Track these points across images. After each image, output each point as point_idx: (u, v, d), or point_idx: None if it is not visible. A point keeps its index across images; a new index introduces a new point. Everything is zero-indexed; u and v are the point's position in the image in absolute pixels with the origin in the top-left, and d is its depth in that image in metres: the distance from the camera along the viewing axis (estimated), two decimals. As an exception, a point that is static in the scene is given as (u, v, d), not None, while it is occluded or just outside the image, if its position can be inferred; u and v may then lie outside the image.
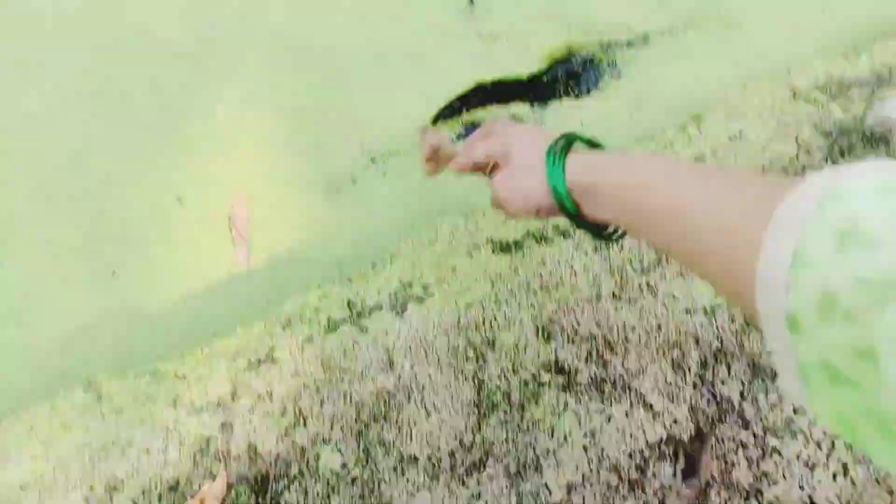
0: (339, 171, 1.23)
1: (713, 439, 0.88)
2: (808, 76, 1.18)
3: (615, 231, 0.53)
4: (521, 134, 0.58)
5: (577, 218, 0.51)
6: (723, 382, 0.92)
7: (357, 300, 1.12)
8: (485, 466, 0.93)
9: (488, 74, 1.28)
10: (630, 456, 0.89)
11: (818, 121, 1.13)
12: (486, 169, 0.61)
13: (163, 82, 1.33)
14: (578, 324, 0.99)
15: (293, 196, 1.22)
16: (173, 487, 1.02)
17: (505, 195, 0.56)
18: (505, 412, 0.96)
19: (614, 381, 0.94)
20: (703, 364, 0.94)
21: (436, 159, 0.67)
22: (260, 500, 0.98)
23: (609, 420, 0.92)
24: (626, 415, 0.92)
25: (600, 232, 0.53)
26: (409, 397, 1.01)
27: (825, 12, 1.30)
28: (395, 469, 0.96)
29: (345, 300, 1.12)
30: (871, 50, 1.22)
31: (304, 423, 1.02)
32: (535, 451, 0.92)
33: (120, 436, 1.07)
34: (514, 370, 0.98)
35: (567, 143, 0.52)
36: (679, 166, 0.44)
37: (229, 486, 1.00)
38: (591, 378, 0.95)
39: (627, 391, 0.93)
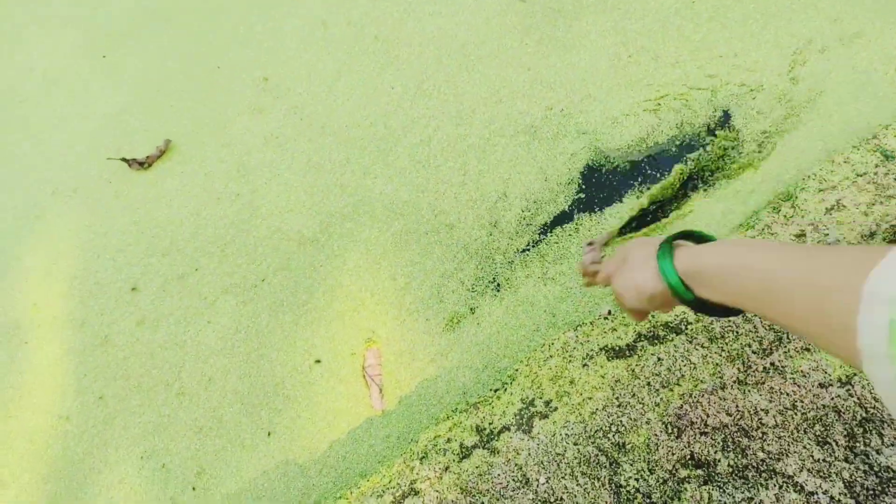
0: (455, 305, 1.53)
1: (877, 514, 0.94)
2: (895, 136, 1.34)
3: (731, 309, 0.65)
4: (637, 242, 0.77)
5: (692, 301, 0.64)
6: (878, 452, 1.00)
7: (485, 425, 1.34)
8: (638, 574, 1.04)
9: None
10: (790, 544, 0.97)
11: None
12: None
13: (295, 266, 1.77)
14: (707, 415, 1.13)
15: (416, 339, 1.53)
16: None
17: (621, 290, 0.74)
18: (648, 515, 1.09)
19: (757, 467, 1.05)
20: (851, 436, 1.03)
21: (590, 273, 0.92)
22: None
23: (759, 508, 1.01)
24: (777, 499, 1.01)
25: (717, 311, 0.66)
26: (550, 512, 1.17)
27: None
28: (547, 587, 1.09)
29: (474, 426, 1.35)
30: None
31: (454, 551, 1.20)
32: (687, 552, 1.02)
33: (289, 583, 1.32)
34: (649, 470, 1.12)
35: (674, 237, 0.70)
36: (773, 244, 0.57)
37: None
38: (732, 467, 1.06)
39: (773, 475, 1.03)
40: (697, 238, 0.74)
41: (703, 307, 0.65)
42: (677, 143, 1.54)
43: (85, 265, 1.96)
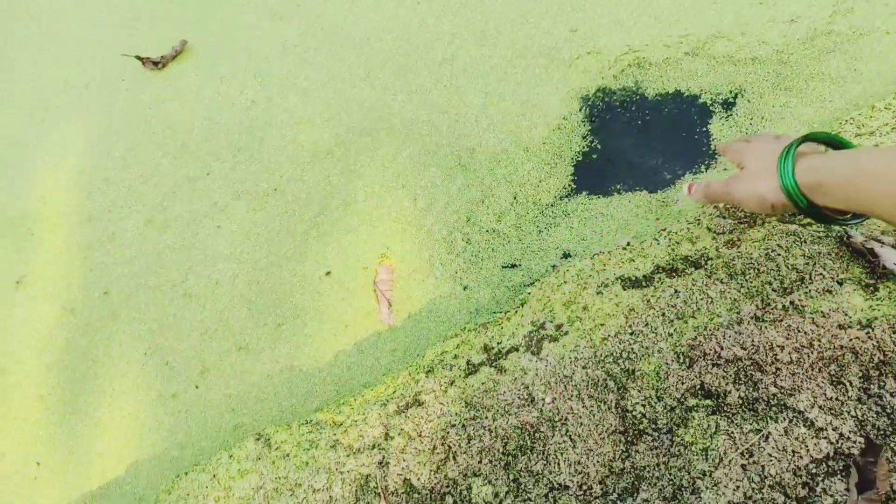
0: (476, 229, 1.45)
1: (889, 451, 0.89)
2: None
3: (848, 216, 0.65)
4: (757, 143, 0.73)
5: (809, 210, 0.65)
6: (892, 394, 0.95)
7: (493, 344, 1.28)
8: (638, 491, 1.00)
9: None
10: (795, 473, 0.92)
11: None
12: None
13: (309, 177, 1.67)
14: (721, 348, 1.07)
15: (433, 258, 1.45)
16: (338, 525, 1.18)
17: (740, 196, 0.73)
18: (653, 438, 1.04)
19: (768, 401, 0.99)
20: (866, 377, 0.97)
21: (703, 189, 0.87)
22: (419, 534, 1.11)
23: (767, 438, 0.97)
24: (786, 433, 0.96)
25: (834, 219, 0.65)
26: (553, 429, 1.12)
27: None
28: (546, 497, 1.05)
29: (482, 345, 1.28)
30: None
31: (454, 458, 1.16)
32: (689, 474, 0.98)
33: (289, 478, 1.27)
34: (657, 397, 1.07)
35: (796, 144, 0.66)
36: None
37: (389, 522, 1.14)
38: (742, 399, 1.01)
39: (784, 409, 0.98)
40: (822, 140, 0.71)
41: (819, 215, 0.65)
42: (698, 83, 1.43)
43: (94, 161, 1.84)
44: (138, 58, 1.85)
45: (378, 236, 1.51)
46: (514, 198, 1.41)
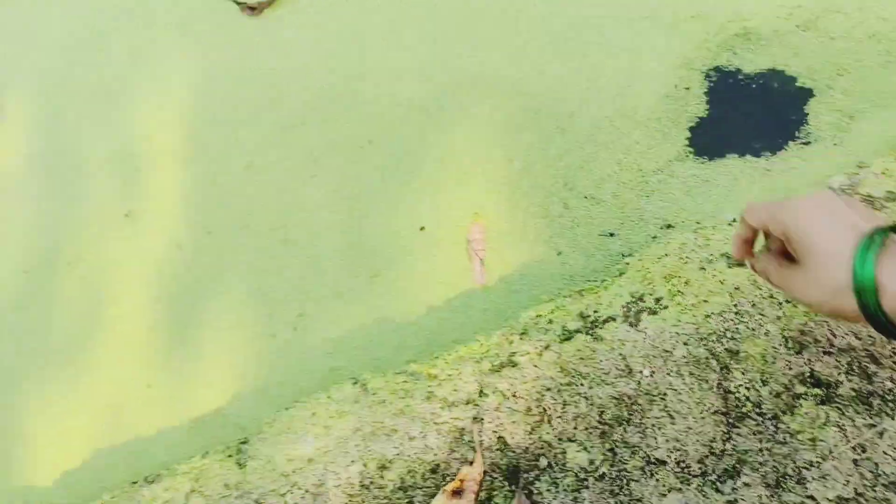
0: (574, 194, 1.42)
1: None
2: None
3: None
4: (819, 211, 0.50)
5: (876, 317, 0.45)
6: None
7: (590, 312, 1.27)
8: (739, 475, 1.01)
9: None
10: (909, 473, 0.91)
11: None
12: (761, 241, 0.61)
13: (404, 132, 1.65)
14: (834, 336, 1.04)
15: (528, 221, 1.44)
16: (434, 469, 1.24)
17: (792, 291, 0.53)
18: (756, 422, 1.03)
19: (883, 396, 0.97)
20: None
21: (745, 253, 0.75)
22: (512, 486, 1.15)
23: (881, 435, 0.95)
24: (901, 430, 0.94)
25: None
26: (652, 403, 1.12)
27: None
28: (642, 469, 1.07)
29: (578, 312, 1.28)
30: None
31: (549, 422, 1.18)
32: (794, 463, 0.98)
33: (385, 423, 1.33)
34: (762, 381, 1.05)
35: (883, 235, 0.46)
36: None
37: (484, 472, 1.19)
38: (855, 391, 0.98)
39: (900, 406, 0.95)
40: None
41: (889, 329, 0.46)
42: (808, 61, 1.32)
43: (195, 104, 1.87)
44: (236, 2, 1.84)
45: (471, 195, 1.50)
46: (618, 164, 1.37)
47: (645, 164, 1.36)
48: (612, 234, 1.35)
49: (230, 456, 1.50)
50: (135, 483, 1.59)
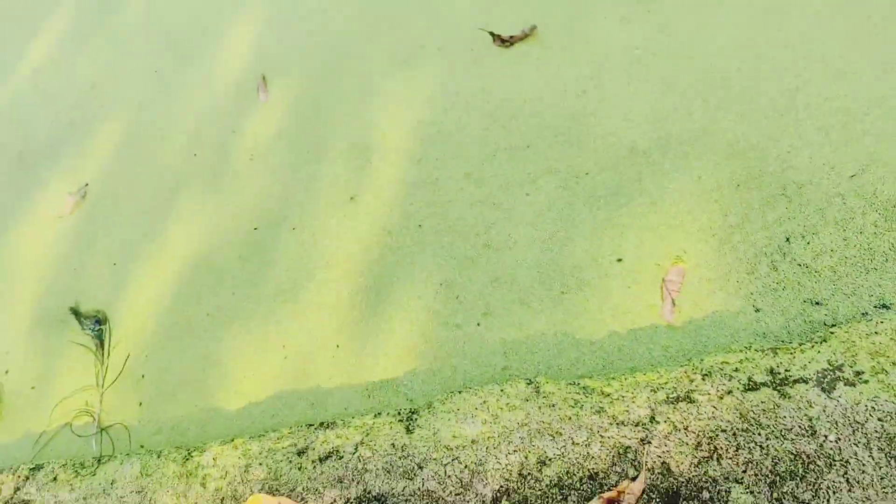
0: (768, 250, 1.60)
1: None
2: None
3: None
4: None
5: None
6: None
7: (781, 370, 1.43)
8: (916, 552, 1.10)
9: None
10: None
11: None
12: None
13: (622, 171, 1.93)
14: None
15: (730, 273, 1.63)
16: (592, 476, 1.46)
17: None
18: (946, 509, 1.12)
19: None
20: None
21: None
22: (669, 509, 1.33)
23: None
24: None
25: None
26: (831, 467, 1.25)
27: None
28: (809, 524, 1.20)
29: (768, 367, 1.44)
30: None
31: (718, 460, 1.35)
32: (982, 557, 1.06)
33: (552, 425, 1.58)
34: (962, 472, 1.14)
35: None
36: None
37: (643, 491, 1.39)
38: None
39: None
40: None
41: None
42: None
43: (432, 114, 2.32)
44: (491, 34, 2.29)
45: (677, 239, 1.73)
46: (844, 241, 1.52)
47: (876, 245, 1.50)
48: (818, 303, 1.50)
49: (400, 420, 1.84)
50: (311, 425, 1.99)
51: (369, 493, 1.67)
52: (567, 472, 1.46)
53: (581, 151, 1.98)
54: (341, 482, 1.71)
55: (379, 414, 1.86)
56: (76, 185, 3.05)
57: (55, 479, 2.05)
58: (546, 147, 2.05)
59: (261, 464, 1.88)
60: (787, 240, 1.58)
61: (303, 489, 1.74)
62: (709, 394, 1.42)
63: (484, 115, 2.23)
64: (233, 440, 1.96)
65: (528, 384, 1.67)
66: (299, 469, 1.82)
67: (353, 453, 1.78)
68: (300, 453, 1.87)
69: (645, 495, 1.36)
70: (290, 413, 2.05)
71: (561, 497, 1.43)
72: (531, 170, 2.03)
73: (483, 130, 2.19)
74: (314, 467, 1.80)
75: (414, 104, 2.42)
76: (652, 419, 1.45)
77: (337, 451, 1.81)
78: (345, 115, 2.55)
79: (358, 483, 1.69)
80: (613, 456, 1.44)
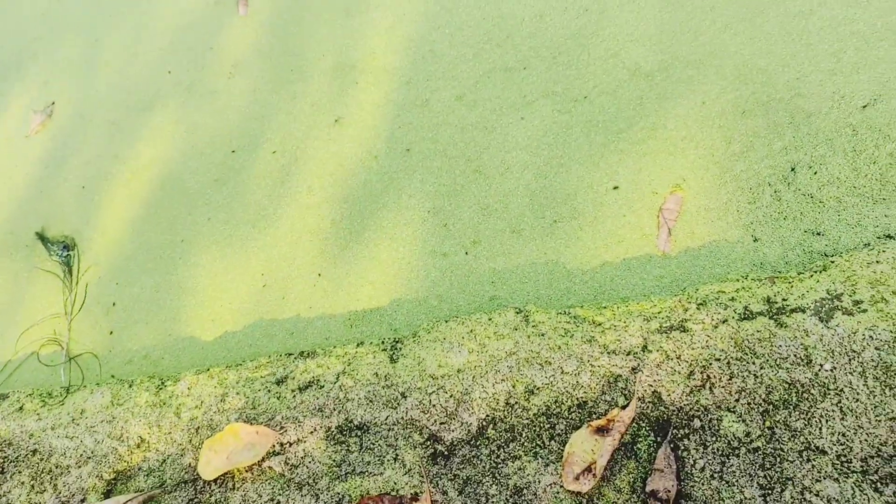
0: (771, 179, 1.56)
1: None
2: None
3: None
4: None
5: None
6: None
7: (778, 299, 1.42)
8: (905, 478, 1.12)
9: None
10: None
11: None
12: None
13: (622, 94, 1.87)
14: None
15: (730, 202, 1.60)
16: (581, 405, 1.45)
17: None
18: (939, 436, 1.13)
19: None
20: None
21: None
22: (658, 438, 1.34)
23: None
24: None
25: None
26: (825, 396, 1.25)
27: None
28: (800, 454, 1.21)
29: (765, 296, 1.43)
30: None
31: (711, 389, 1.35)
32: (971, 482, 1.07)
33: (541, 354, 1.57)
34: (957, 401, 1.15)
35: None
36: None
37: (633, 419, 1.39)
38: None
39: None
40: None
41: None
42: None
43: (425, 31, 2.22)
44: (488, -56, 2.17)
45: (677, 167, 1.69)
46: (854, 171, 1.49)
47: (890, 176, 1.48)
48: (819, 234, 1.48)
49: (384, 350, 1.82)
50: (290, 355, 1.97)
51: (351, 421, 1.66)
52: (556, 401, 1.46)
53: (580, 74, 1.91)
54: (322, 411, 1.70)
55: (361, 343, 1.84)
56: (42, 103, 2.91)
57: (21, 408, 2.02)
58: (544, 69, 1.97)
59: (238, 393, 1.86)
60: (793, 169, 1.54)
61: (282, 418, 1.73)
62: (703, 323, 1.41)
63: (479, 34, 2.14)
64: (208, 369, 1.94)
65: (518, 313, 1.66)
66: (278, 398, 1.80)
67: (335, 382, 1.77)
68: (279, 382, 1.85)
69: (635, 424, 1.36)
70: (269, 342, 2.03)
71: (549, 426, 1.44)
72: (527, 92, 1.96)
73: (477, 50, 2.10)
74: (294, 396, 1.79)
75: (404, 20, 2.31)
76: (644, 348, 1.44)
77: (317, 380, 1.80)
78: (330, 31, 2.43)
79: (339, 412, 1.69)
80: (603, 385, 1.43)
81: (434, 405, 1.60)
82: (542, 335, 1.59)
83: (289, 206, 2.17)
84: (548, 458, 1.40)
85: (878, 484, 1.12)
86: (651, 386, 1.39)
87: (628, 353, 1.46)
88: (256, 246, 2.13)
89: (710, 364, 1.36)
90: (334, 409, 1.70)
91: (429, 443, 1.53)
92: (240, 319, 2.11)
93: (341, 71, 2.33)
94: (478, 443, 1.49)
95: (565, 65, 1.94)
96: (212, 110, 2.50)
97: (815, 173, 1.52)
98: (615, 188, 1.73)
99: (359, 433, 1.63)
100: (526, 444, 1.43)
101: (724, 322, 1.41)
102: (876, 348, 1.24)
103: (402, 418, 1.61)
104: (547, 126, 1.88)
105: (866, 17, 1.66)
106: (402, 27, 2.30)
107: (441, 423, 1.56)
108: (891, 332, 1.25)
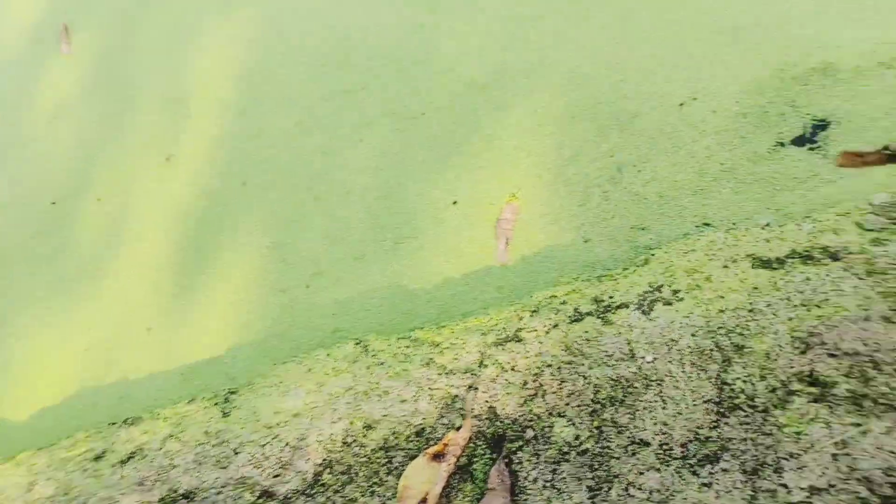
0: (600, 181, 1.74)
1: None
2: None
3: None
4: None
5: None
6: None
7: (605, 297, 1.57)
8: (719, 460, 1.25)
9: None
10: (886, 472, 1.14)
11: None
12: None
13: (458, 108, 2.04)
14: (842, 340, 1.29)
15: (563, 208, 1.76)
16: (419, 433, 1.54)
17: None
18: (746, 414, 1.28)
19: (875, 399, 1.21)
20: None
21: None
22: (494, 454, 1.44)
23: (865, 434, 1.18)
24: (888, 432, 1.17)
25: None
26: (647, 388, 1.39)
27: None
28: (625, 448, 1.33)
29: (593, 296, 1.58)
30: None
31: (543, 396, 1.47)
32: (775, 454, 1.22)
33: (380, 384, 1.65)
34: (761, 376, 1.31)
35: None
36: None
37: (469, 439, 1.48)
38: (850, 393, 1.22)
39: (891, 410, 1.19)
40: None
41: None
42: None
43: (257, 58, 2.35)
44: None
45: (512, 176, 1.85)
46: (674, 166, 1.68)
47: (707, 167, 1.67)
48: (643, 229, 1.65)
49: (216, 404, 1.86)
50: (113, 424, 1.97)
51: (175, 491, 1.68)
52: (393, 433, 1.53)
53: (418, 90, 2.07)
54: (142, 485, 1.71)
55: (193, 400, 1.87)
56: None
57: None
58: (382, 87, 2.12)
59: (48, 478, 1.84)
60: (619, 169, 1.72)
61: (97, 500, 1.72)
62: (536, 330, 1.54)
63: (317, 57, 2.28)
64: (14, 457, 1.91)
65: (357, 344, 1.74)
66: (95, 477, 1.79)
67: (160, 449, 1.78)
68: (97, 458, 1.84)
69: (471, 444, 1.45)
70: (92, 412, 2.02)
71: (386, 459, 1.51)
72: (366, 113, 2.10)
73: (314, 73, 2.24)
74: (113, 472, 1.78)
75: (236, 47, 2.43)
76: (481, 363, 1.55)
77: (141, 449, 1.80)
78: (159, 62, 2.52)
79: (163, 482, 1.70)
80: (441, 408, 1.52)
81: (268, 457, 1.64)
82: (382, 364, 1.68)
83: (113, 257, 2.20)
84: (385, 496, 1.46)
85: (697, 467, 1.25)
86: (487, 402, 1.49)
87: (465, 372, 1.56)
88: (79, 304, 2.13)
89: (543, 371, 1.48)
90: (156, 481, 1.71)
91: (261, 500, 1.57)
92: (61, 391, 2.10)
93: (172, 104, 2.41)
94: (313, 491, 1.53)
95: (402, 82, 2.10)
96: (31, 160, 2.52)
97: (640, 171, 1.70)
98: (454, 203, 1.86)
99: (184, 503, 1.64)
100: (363, 484, 1.49)
101: (555, 327, 1.54)
102: (692, 335, 1.39)
103: (233, 478, 1.64)
104: (386, 146, 2.02)
105: (684, 19, 1.90)
106: (235, 53, 2.42)
107: (275, 476, 1.60)
108: (704, 317, 1.40)
